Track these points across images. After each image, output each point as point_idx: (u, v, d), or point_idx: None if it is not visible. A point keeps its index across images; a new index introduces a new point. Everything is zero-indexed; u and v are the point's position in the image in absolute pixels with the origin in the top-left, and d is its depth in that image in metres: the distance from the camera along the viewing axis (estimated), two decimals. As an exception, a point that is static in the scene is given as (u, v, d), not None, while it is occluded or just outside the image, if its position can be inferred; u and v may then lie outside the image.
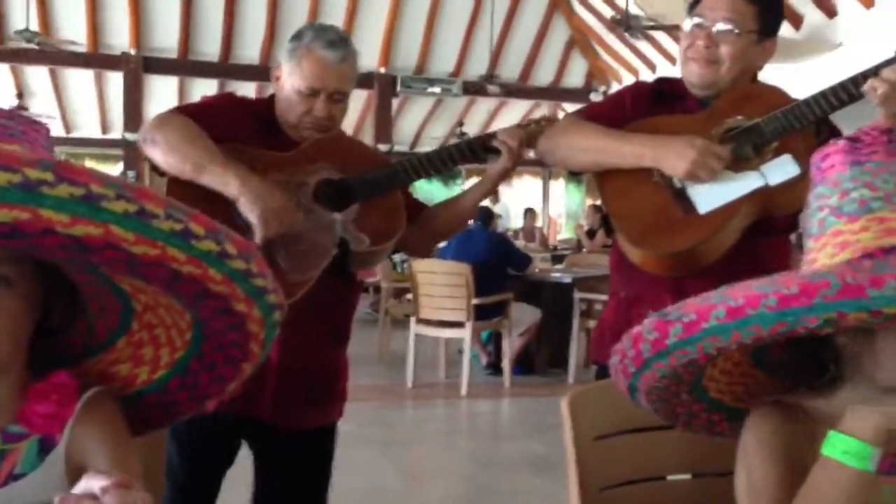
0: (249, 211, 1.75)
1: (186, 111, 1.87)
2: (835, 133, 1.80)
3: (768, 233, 1.82)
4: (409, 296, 6.16)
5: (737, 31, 1.79)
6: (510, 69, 12.26)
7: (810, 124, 1.74)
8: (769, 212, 1.78)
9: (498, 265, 6.09)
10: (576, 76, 12.89)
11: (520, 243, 10.51)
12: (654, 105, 1.91)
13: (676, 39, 9.93)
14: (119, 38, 10.77)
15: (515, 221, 13.79)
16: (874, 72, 1.67)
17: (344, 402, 2.02)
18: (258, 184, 1.77)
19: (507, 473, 4.15)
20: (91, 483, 0.74)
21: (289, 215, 1.79)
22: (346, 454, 4.32)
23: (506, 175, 1.97)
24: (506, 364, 6.05)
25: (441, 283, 5.77)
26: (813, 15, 8.62)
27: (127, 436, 1.03)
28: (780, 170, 1.73)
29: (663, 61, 10.74)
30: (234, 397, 1.77)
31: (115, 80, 11.42)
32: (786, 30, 8.82)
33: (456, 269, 5.68)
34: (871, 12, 7.91)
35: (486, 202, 6.87)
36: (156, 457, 1.34)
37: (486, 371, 6.49)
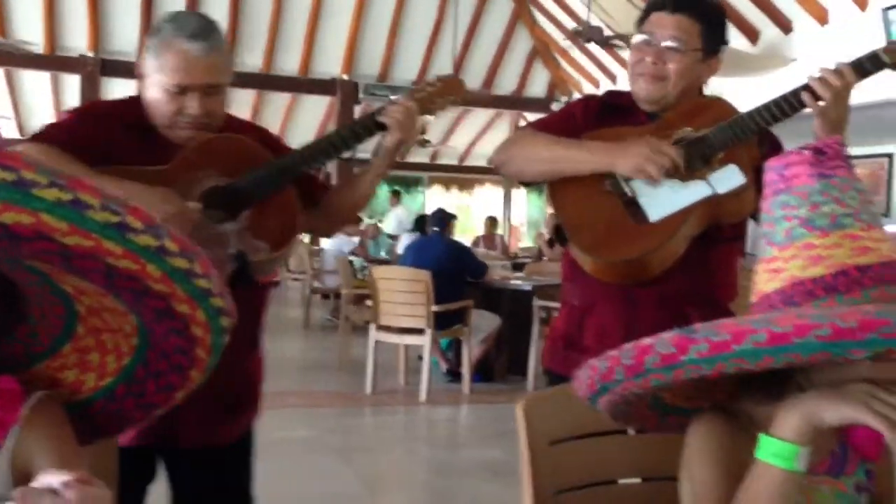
0: None
1: (48, 138, 1.69)
2: (776, 144, 1.88)
3: (716, 241, 1.87)
4: (369, 302, 6.15)
5: (682, 49, 1.84)
6: (473, 78, 12.30)
7: (754, 135, 1.80)
8: (717, 220, 1.83)
9: (455, 272, 6.10)
10: (538, 86, 12.99)
11: (481, 251, 10.54)
12: (604, 118, 1.95)
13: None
14: (77, 40, 10.61)
15: (478, 230, 13.85)
16: (808, 87, 1.73)
17: (259, 405, 1.92)
18: (146, 192, 1.63)
19: (466, 479, 4.16)
20: (50, 479, 0.72)
21: (188, 220, 1.66)
22: (306, 461, 4.33)
23: (398, 148, 1.88)
24: (465, 371, 6.07)
25: (401, 290, 5.77)
26: (769, 30, 8.81)
27: (73, 442, 1.00)
28: (727, 179, 1.79)
29: (624, 72, 10.86)
30: (145, 429, 1.62)
31: (73, 83, 11.25)
32: (743, 44, 9.00)
33: (415, 276, 5.69)
34: (825, 28, 8.11)
35: (441, 203, 6.90)
36: (106, 468, 1.32)
37: (446, 378, 6.50)
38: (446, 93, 1.99)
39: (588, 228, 1.86)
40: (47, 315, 0.97)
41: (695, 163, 1.81)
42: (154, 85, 1.72)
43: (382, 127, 1.88)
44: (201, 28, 1.71)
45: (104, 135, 1.73)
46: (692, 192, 1.79)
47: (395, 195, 14.36)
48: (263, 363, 1.95)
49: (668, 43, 1.84)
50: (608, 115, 1.95)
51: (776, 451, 0.95)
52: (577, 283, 1.95)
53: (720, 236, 1.86)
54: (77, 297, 0.93)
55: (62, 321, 0.97)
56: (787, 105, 1.76)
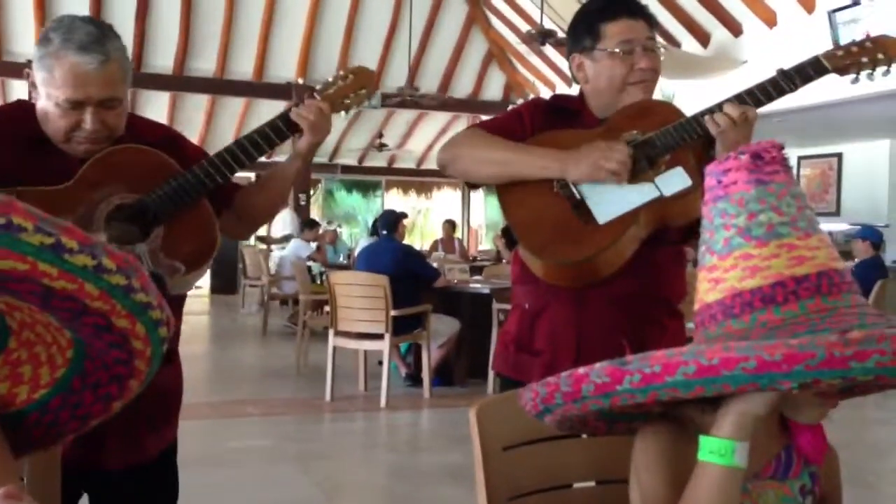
0: None
1: None
2: None
3: (664, 243, 1.88)
4: (328, 308, 6.11)
5: (662, 48, 1.89)
6: (429, 81, 12.33)
7: (700, 138, 1.82)
8: (664, 222, 1.84)
9: (407, 277, 5.99)
10: (494, 89, 13.05)
11: (439, 255, 10.54)
12: (551, 120, 1.95)
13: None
14: (24, 46, 10.40)
15: (437, 233, 13.82)
16: (741, 97, 1.79)
17: (178, 417, 1.87)
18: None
19: (425, 484, 4.15)
20: None
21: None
22: (264, 469, 4.28)
23: (313, 149, 1.81)
24: (425, 375, 6.06)
25: (358, 295, 5.74)
26: (720, 33, 8.97)
27: (10, 461, 0.98)
28: (673, 182, 1.81)
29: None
30: (73, 451, 1.56)
31: (21, 89, 11.01)
32: (694, 47, 9.15)
33: (373, 281, 5.66)
34: (773, 31, 8.27)
35: (399, 207, 6.85)
36: (49, 484, 1.28)
37: (406, 383, 6.48)
38: (357, 86, 1.86)
39: (537, 230, 1.86)
40: None
41: (641, 165, 1.83)
42: (45, 98, 1.59)
43: (295, 128, 1.77)
44: (93, 38, 1.56)
45: (2, 148, 1.58)
46: (639, 195, 1.80)
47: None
48: (181, 375, 1.88)
49: (649, 43, 1.87)
50: (556, 117, 1.96)
51: (713, 448, 0.97)
52: (527, 286, 1.95)
53: (668, 239, 1.88)
54: (9, 313, 0.92)
55: None
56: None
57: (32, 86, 1.62)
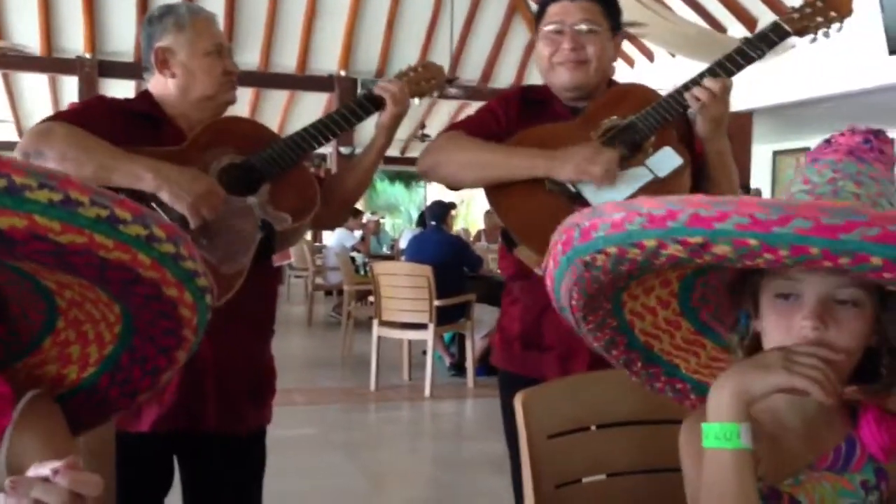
0: (175, 201, 1.65)
1: (63, 118, 1.73)
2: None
3: None
4: (372, 298, 6.15)
5: (597, 29, 1.88)
6: (471, 71, 12.30)
7: (680, 115, 1.84)
8: None
9: (454, 266, 6.06)
10: (537, 77, 12.87)
11: (483, 245, 10.54)
12: (525, 112, 1.95)
13: (632, 38, 10.05)
14: (74, 42, 10.61)
15: (479, 223, 13.82)
16: (713, 72, 1.82)
17: (272, 399, 1.95)
18: (177, 171, 1.67)
19: (470, 473, 4.17)
20: (40, 469, 0.73)
21: (218, 198, 1.70)
22: (310, 457, 4.33)
23: (396, 121, 1.94)
24: (469, 365, 6.08)
25: (402, 285, 5.77)
26: (735, 28, 8.85)
27: (69, 440, 1.01)
28: (665, 162, 1.82)
29: (620, 59, 10.85)
30: (171, 412, 1.74)
31: (70, 84, 11.25)
32: (741, 32, 8.99)
33: (417, 271, 5.69)
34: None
35: (441, 197, 6.87)
36: (104, 454, 1.32)
37: (450, 372, 6.51)
38: (429, 76, 2.05)
39: (538, 230, 1.80)
40: (27, 312, 0.98)
41: (628, 150, 1.83)
42: (190, 57, 1.79)
43: (378, 104, 1.93)
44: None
45: (111, 122, 1.75)
46: (634, 180, 1.81)
47: None
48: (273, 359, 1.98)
49: (583, 26, 1.87)
50: (529, 109, 1.96)
51: (717, 433, 0.96)
52: (525, 282, 1.91)
53: None
54: (59, 292, 0.95)
55: (43, 315, 0.98)
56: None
57: (163, 66, 1.81)
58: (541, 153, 1.83)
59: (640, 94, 1.89)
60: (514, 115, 1.95)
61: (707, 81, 1.79)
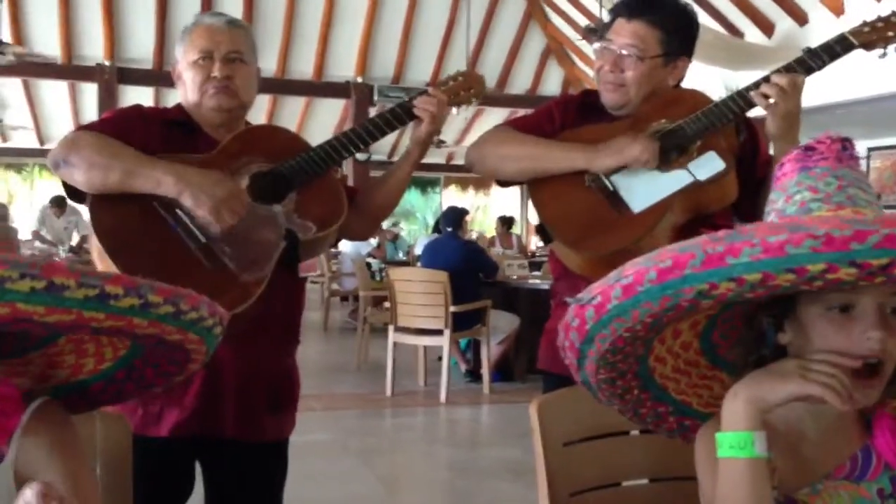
0: (197, 205, 1.64)
1: (93, 128, 1.75)
2: (752, 130, 1.92)
3: (704, 229, 1.86)
4: (388, 304, 6.16)
5: (640, 55, 1.84)
6: (487, 77, 12.21)
7: (730, 122, 1.83)
8: (702, 207, 1.84)
9: (469, 272, 6.08)
10: (552, 84, 12.97)
11: (497, 250, 10.53)
12: (581, 116, 1.95)
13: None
14: (93, 49, 10.71)
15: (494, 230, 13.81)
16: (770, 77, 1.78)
17: (295, 412, 1.93)
18: (199, 175, 1.67)
19: (485, 480, 4.16)
20: (26, 495, 0.75)
21: (241, 202, 1.69)
22: (326, 463, 4.34)
23: (430, 138, 1.93)
24: (485, 371, 6.07)
25: (418, 291, 5.78)
26: (784, 23, 8.75)
27: (79, 447, 1.02)
28: (707, 166, 1.81)
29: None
30: (190, 417, 1.72)
31: (90, 91, 11.35)
32: (758, 37, 8.96)
33: (433, 277, 5.69)
34: (841, 20, 8.03)
35: (457, 203, 6.90)
36: (119, 460, 1.32)
37: (466, 378, 6.50)
38: (468, 86, 2.04)
39: (571, 223, 1.85)
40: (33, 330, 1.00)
41: (672, 153, 1.83)
42: (185, 69, 1.82)
43: (412, 117, 1.92)
44: (225, 14, 1.89)
45: (145, 130, 1.77)
46: (673, 181, 1.80)
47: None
48: (297, 368, 1.96)
49: (624, 51, 1.85)
50: (586, 113, 1.96)
51: (732, 442, 0.96)
52: (569, 280, 1.92)
53: (712, 225, 1.85)
54: (63, 331, 0.97)
55: (48, 332, 1.00)
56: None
57: (177, 79, 1.85)
58: (581, 146, 1.85)
59: (691, 99, 1.88)
60: (571, 116, 1.96)
61: (775, 77, 1.76)
